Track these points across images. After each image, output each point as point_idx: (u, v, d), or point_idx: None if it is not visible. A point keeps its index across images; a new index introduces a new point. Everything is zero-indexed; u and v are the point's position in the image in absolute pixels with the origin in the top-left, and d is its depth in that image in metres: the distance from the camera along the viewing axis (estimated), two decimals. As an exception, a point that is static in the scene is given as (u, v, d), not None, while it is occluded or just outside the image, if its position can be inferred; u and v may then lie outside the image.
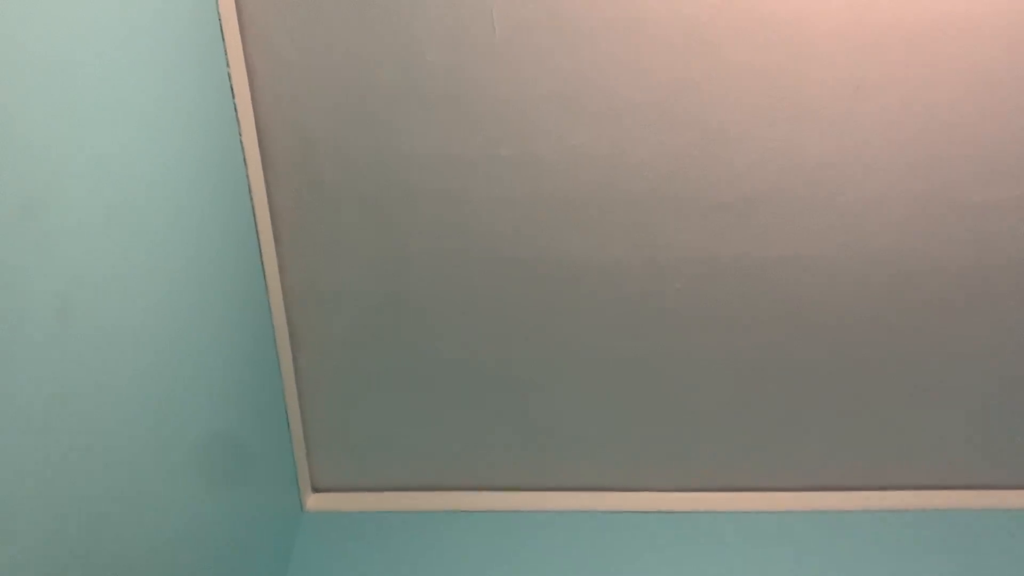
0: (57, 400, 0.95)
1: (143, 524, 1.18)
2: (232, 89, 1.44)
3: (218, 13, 1.37)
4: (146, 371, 1.17)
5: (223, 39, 1.40)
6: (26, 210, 0.87)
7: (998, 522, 1.95)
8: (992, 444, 1.97)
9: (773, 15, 1.43)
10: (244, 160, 1.51)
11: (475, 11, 1.42)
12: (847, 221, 1.65)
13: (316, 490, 2.05)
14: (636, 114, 1.52)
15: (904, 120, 1.54)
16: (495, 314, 1.77)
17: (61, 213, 0.94)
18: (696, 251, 1.68)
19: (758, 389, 1.88)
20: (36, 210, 0.89)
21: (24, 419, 0.89)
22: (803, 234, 1.66)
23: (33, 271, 0.89)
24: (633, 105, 1.51)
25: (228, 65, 1.42)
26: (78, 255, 0.98)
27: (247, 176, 1.53)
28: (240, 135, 1.49)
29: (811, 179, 1.60)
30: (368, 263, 1.70)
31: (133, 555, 1.15)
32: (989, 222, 1.65)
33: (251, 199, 1.56)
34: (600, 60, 1.47)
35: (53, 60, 0.92)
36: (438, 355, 1.83)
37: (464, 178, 1.59)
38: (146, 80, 1.15)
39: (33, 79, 0.88)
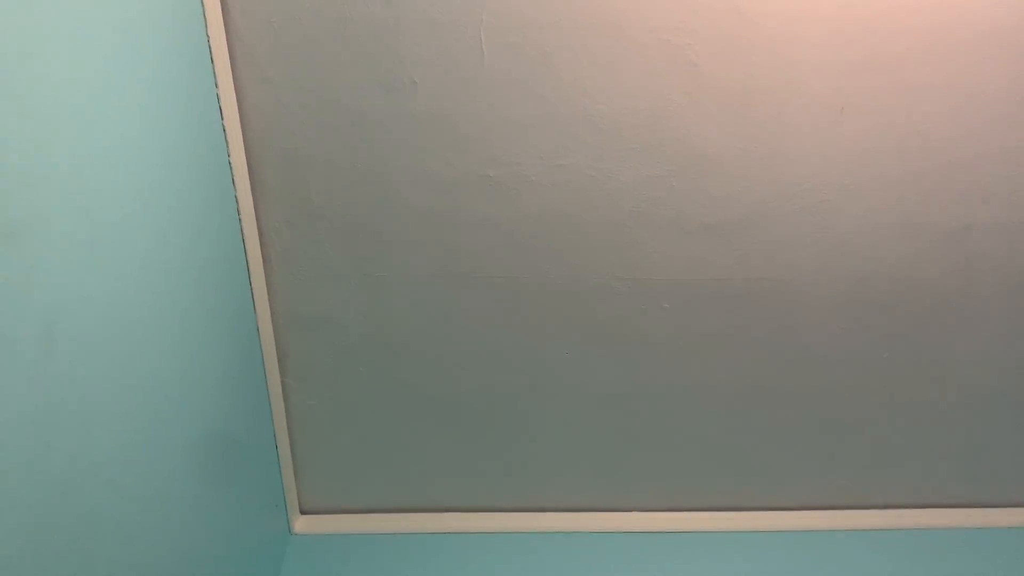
0: (43, 423, 0.94)
1: (131, 546, 1.17)
2: (221, 110, 1.44)
3: (207, 34, 1.38)
4: (132, 394, 1.16)
5: (212, 60, 1.40)
6: (10, 233, 0.87)
7: (981, 540, 1.97)
8: (977, 463, 1.98)
9: (757, 39, 1.45)
10: (233, 180, 1.52)
11: (463, 34, 1.44)
12: (831, 242, 1.66)
13: (304, 512, 2.04)
14: (621, 136, 1.54)
15: (888, 142, 1.55)
16: (482, 335, 1.77)
17: (46, 235, 0.93)
18: (682, 272, 1.69)
19: (743, 409, 1.88)
20: (21, 232, 0.88)
21: (7, 444, 0.88)
22: (788, 255, 1.67)
23: (17, 294, 0.88)
24: (618, 127, 1.53)
25: (217, 86, 1.42)
26: (63, 278, 0.97)
27: (236, 196, 1.53)
28: (229, 155, 1.49)
29: (795, 201, 1.61)
30: (356, 285, 1.70)
31: (119, 578, 1.15)
32: (972, 244, 1.67)
33: (240, 219, 1.56)
34: (585, 83, 1.48)
35: (38, 80, 0.92)
36: (425, 377, 1.83)
37: (451, 198, 1.60)
38: (133, 101, 1.15)
39: (17, 101, 0.88)
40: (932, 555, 1.93)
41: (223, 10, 1.40)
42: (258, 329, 1.69)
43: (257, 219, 1.62)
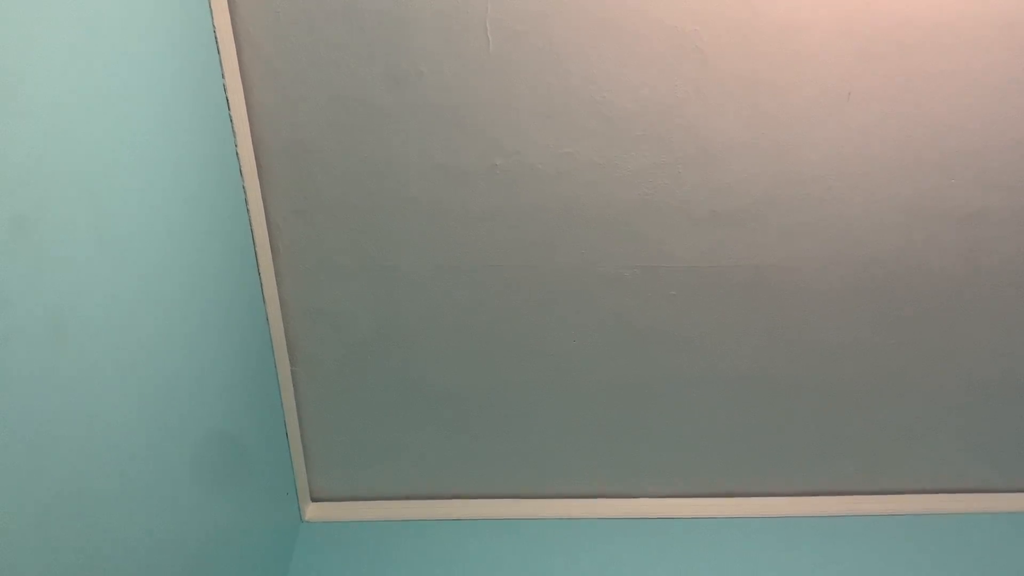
0: (52, 414, 0.95)
1: (144, 535, 1.19)
2: (228, 102, 1.45)
3: (213, 26, 1.38)
4: (142, 385, 1.17)
5: (218, 52, 1.40)
6: (18, 226, 0.87)
7: (989, 526, 1.97)
8: (985, 449, 1.98)
9: (763, 25, 1.44)
10: (240, 172, 1.52)
11: (469, 24, 1.43)
12: (839, 230, 1.66)
13: (315, 500, 2.06)
14: (628, 124, 1.53)
15: (895, 129, 1.54)
16: (489, 324, 1.78)
17: (54, 229, 0.94)
18: (689, 260, 1.69)
19: (751, 395, 1.89)
20: (28, 226, 0.89)
21: (18, 438, 0.89)
22: (795, 243, 1.67)
23: (27, 287, 0.89)
24: (625, 115, 1.52)
25: (224, 77, 1.43)
26: (72, 272, 0.98)
27: (243, 188, 1.54)
28: (236, 147, 1.50)
29: (803, 188, 1.61)
30: (364, 275, 1.71)
31: (134, 566, 1.16)
32: (979, 231, 1.66)
33: (248, 211, 1.56)
34: (592, 72, 1.48)
35: (46, 75, 0.92)
36: (433, 366, 1.84)
37: (458, 188, 1.60)
38: (140, 93, 1.15)
39: (25, 94, 0.88)
40: (940, 540, 1.93)
41: (229, 1, 1.40)
42: (267, 319, 1.70)
43: (265, 210, 1.62)
